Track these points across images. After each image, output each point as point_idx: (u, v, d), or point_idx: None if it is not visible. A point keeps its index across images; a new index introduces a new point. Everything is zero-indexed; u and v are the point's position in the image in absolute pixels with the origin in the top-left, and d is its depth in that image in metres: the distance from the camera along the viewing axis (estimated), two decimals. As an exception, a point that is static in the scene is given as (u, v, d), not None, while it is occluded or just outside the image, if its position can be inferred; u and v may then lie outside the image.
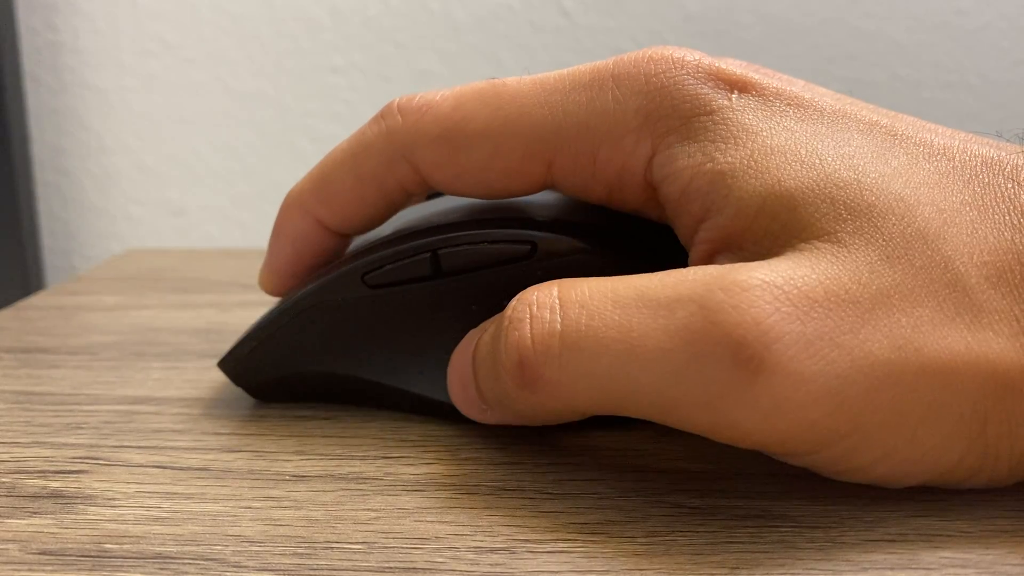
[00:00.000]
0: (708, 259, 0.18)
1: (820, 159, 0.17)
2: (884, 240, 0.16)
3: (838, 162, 0.17)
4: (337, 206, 0.21)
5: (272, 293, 0.23)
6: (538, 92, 0.19)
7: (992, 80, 0.62)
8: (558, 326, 0.16)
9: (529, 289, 0.17)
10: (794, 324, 0.15)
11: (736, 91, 0.18)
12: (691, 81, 0.18)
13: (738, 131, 0.17)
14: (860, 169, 0.16)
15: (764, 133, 0.17)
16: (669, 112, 0.18)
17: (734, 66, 0.19)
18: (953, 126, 0.18)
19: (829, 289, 0.15)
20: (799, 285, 0.15)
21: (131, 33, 0.65)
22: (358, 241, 0.23)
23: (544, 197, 0.22)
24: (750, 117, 0.18)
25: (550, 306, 0.17)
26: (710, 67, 0.18)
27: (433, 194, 0.23)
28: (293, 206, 0.21)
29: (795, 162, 0.17)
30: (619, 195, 0.19)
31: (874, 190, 0.16)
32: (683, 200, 0.18)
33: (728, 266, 0.16)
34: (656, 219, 0.20)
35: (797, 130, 0.17)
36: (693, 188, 0.18)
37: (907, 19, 0.61)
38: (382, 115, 0.20)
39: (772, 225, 0.17)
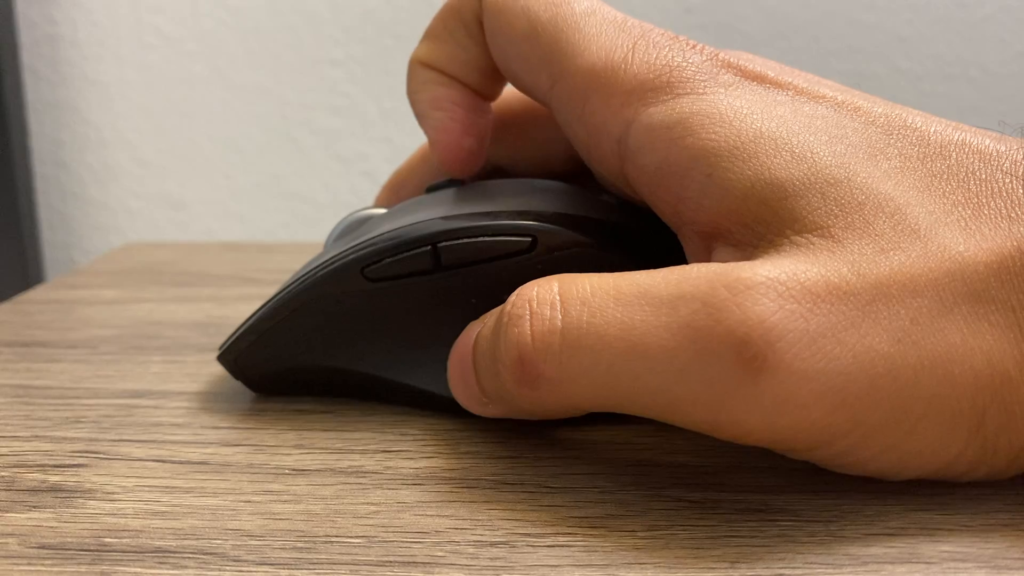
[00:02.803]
0: (702, 245, 0.18)
1: (812, 153, 0.17)
2: (876, 235, 0.16)
3: (830, 159, 0.17)
4: (433, 41, 0.23)
5: (448, 160, 0.23)
6: (578, 18, 0.20)
7: (993, 72, 0.62)
8: (559, 323, 0.16)
9: (528, 284, 0.17)
10: (798, 322, 0.15)
11: (736, 78, 0.18)
12: (693, 66, 0.18)
13: (726, 111, 0.17)
14: (851, 168, 0.16)
15: (754, 117, 0.17)
16: (662, 86, 0.18)
17: (737, 56, 0.19)
18: (954, 118, 0.18)
19: (831, 283, 0.15)
20: (802, 281, 0.15)
21: (130, 26, 0.65)
22: (358, 234, 0.23)
23: (546, 190, 0.22)
24: (742, 102, 0.18)
25: (550, 302, 0.17)
26: (715, 55, 0.19)
27: (433, 187, 0.23)
28: (410, 61, 0.23)
29: (786, 152, 0.17)
30: (597, 151, 0.20)
31: (864, 190, 0.16)
32: (659, 175, 0.18)
33: (731, 264, 0.16)
34: (624, 190, 0.20)
35: (790, 120, 0.17)
36: (670, 162, 0.18)
37: (908, 12, 0.61)
38: None
39: (763, 211, 0.16)
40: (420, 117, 0.23)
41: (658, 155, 0.18)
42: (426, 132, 0.23)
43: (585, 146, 0.20)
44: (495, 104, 0.25)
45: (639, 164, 0.18)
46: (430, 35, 0.23)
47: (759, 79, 0.18)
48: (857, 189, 0.16)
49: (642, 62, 0.19)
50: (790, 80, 0.18)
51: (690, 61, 0.18)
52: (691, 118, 0.17)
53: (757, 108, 0.17)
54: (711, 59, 0.19)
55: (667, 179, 0.18)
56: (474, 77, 0.23)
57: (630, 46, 0.19)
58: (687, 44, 0.19)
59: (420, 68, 0.23)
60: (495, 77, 0.23)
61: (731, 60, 0.19)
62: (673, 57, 0.18)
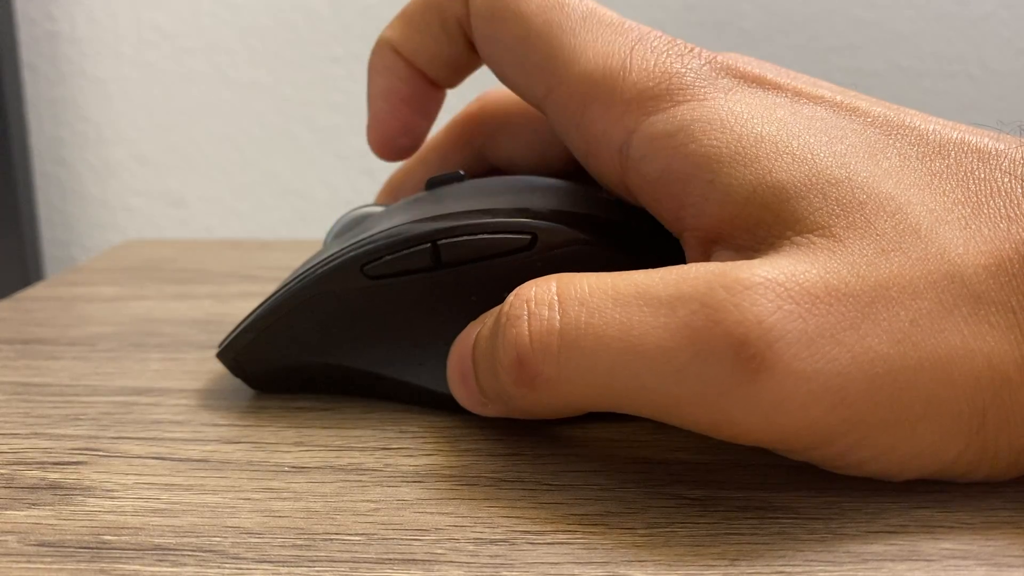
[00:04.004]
0: (702, 249, 0.18)
1: (812, 154, 0.17)
2: (877, 235, 0.16)
3: (830, 159, 0.17)
4: (409, 32, 0.22)
5: (379, 150, 0.24)
6: (574, 22, 0.20)
7: (994, 70, 0.61)
8: (557, 323, 0.16)
9: (526, 284, 0.17)
10: (796, 322, 0.15)
11: (736, 83, 0.18)
12: (692, 72, 0.18)
13: (727, 116, 0.17)
14: (851, 168, 0.16)
15: (754, 122, 0.17)
16: (662, 94, 0.18)
17: (734, 59, 0.19)
18: (954, 116, 0.18)
19: (829, 284, 0.15)
20: (800, 282, 0.15)
21: (129, 23, 0.64)
22: (358, 231, 0.23)
23: (546, 188, 0.22)
24: (742, 106, 0.18)
25: (548, 303, 0.17)
26: (712, 59, 0.18)
27: (433, 183, 0.23)
28: (378, 41, 0.23)
29: (786, 154, 0.17)
30: (595, 159, 0.19)
31: (865, 189, 0.16)
32: (662, 182, 0.18)
33: (730, 263, 0.16)
34: (623, 196, 0.20)
35: (790, 123, 0.17)
36: (673, 169, 0.18)
37: (908, 9, 0.61)
38: None
39: (764, 214, 0.16)
40: (369, 98, 0.23)
41: (660, 163, 0.18)
42: (368, 115, 0.23)
43: (584, 154, 0.20)
44: (492, 105, 0.25)
45: (641, 172, 0.18)
46: (405, 18, 0.23)
47: (758, 82, 0.18)
48: (858, 188, 0.16)
49: (640, 69, 0.18)
50: (788, 82, 0.18)
51: (689, 67, 0.18)
52: (692, 125, 0.17)
53: (757, 112, 0.17)
54: (709, 63, 0.18)
55: (670, 186, 0.18)
56: (438, 71, 0.23)
57: (627, 52, 0.19)
58: (685, 48, 0.19)
59: (386, 51, 0.23)
60: (460, 71, 0.23)
61: (729, 63, 0.19)
62: (671, 63, 0.18)
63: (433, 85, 0.23)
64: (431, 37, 0.22)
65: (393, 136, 0.23)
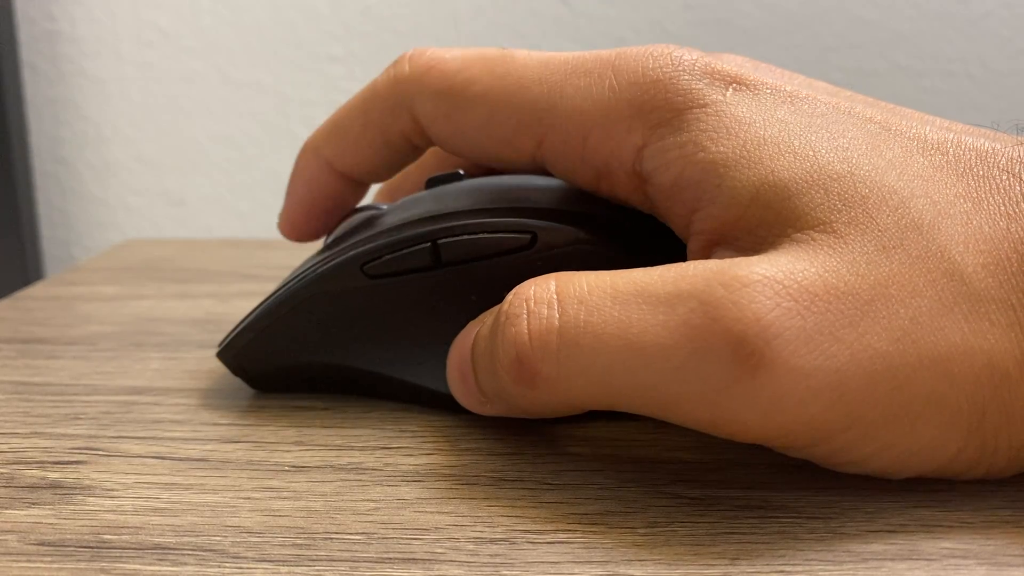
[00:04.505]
0: (705, 251, 0.18)
1: (814, 151, 0.17)
2: (879, 231, 0.16)
3: (832, 154, 0.17)
4: (347, 150, 0.22)
5: (289, 237, 0.24)
6: (541, 70, 0.19)
7: (993, 69, 0.61)
8: (556, 322, 0.16)
9: (525, 283, 0.17)
10: (794, 319, 0.15)
11: (731, 87, 0.18)
12: (686, 77, 0.18)
13: (731, 123, 0.17)
14: (853, 162, 0.16)
15: (757, 125, 0.17)
16: (662, 105, 0.18)
17: (730, 63, 0.19)
18: (954, 116, 0.18)
19: (828, 282, 0.15)
20: (799, 279, 0.15)
21: (129, 22, 0.64)
22: (357, 231, 0.23)
23: (546, 187, 0.22)
24: (743, 110, 0.18)
25: (547, 301, 0.17)
26: (706, 65, 0.18)
27: (432, 183, 0.23)
28: (308, 149, 0.23)
29: (788, 153, 0.17)
30: (607, 183, 0.19)
31: (867, 182, 0.16)
32: (674, 190, 0.18)
33: (728, 261, 0.16)
34: (646, 210, 0.20)
35: (791, 122, 0.17)
36: (685, 178, 0.18)
37: (908, 8, 0.61)
38: (394, 64, 0.21)
39: (766, 214, 0.16)
40: (288, 195, 0.23)
41: (673, 173, 0.18)
42: (284, 206, 0.23)
43: (596, 185, 0.20)
44: None
45: (656, 183, 0.18)
46: (340, 134, 0.22)
47: (756, 84, 0.18)
48: (860, 182, 0.16)
49: (629, 84, 0.18)
50: (786, 84, 0.18)
51: (676, 72, 0.18)
52: (700, 135, 0.17)
53: (759, 115, 0.17)
54: (690, 67, 0.18)
55: (682, 193, 0.18)
56: (374, 177, 0.23)
57: (608, 75, 0.18)
58: (662, 54, 0.18)
59: (317, 162, 0.22)
60: (397, 170, 0.23)
61: (719, 67, 0.18)
62: (656, 72, 0.18)
63: (361, 184, 0.23)
64: (372, 152, 0.22)
65: (306, 222, 0.23)
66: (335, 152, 0.22)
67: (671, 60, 0.18)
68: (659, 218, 0.19)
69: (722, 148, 0.17)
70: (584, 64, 0.19)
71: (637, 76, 0.18)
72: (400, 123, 0.21)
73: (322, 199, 0.23)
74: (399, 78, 0.21)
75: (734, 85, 0.18)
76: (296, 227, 0.23)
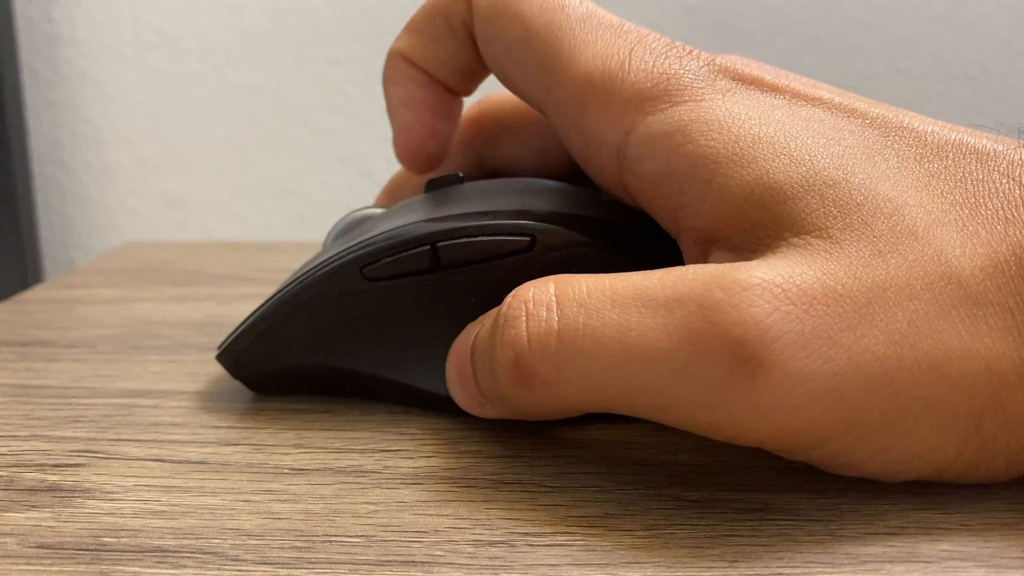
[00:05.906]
0: (699, 250, 0.18)
1: (809, 156, 0.17)
2: (875, 236, 0.16)
3: (827, 161, 0.17)
4: (418, 40, 0.22)
5: (409, 165, 0.24)
6: (574, 24, 0.20)
7: (993, 72, 0.62)
8: (555, 324, 0.16)
9: (525, 285, 0.17)
10: (793, 323, 0.15)
11: (732, 84, 0.18)
12: (691, 75, 0.18)
13: (725, 118, 0.17)
14: (849, 169, 0.16)
15: (752, 123, 0.17)
16: (660, 95, 0.18)
17: (733, 61, 0.19)
18: (953, 118, 0.18)
19: (827, 285, 0.15)
20: (797, 283, 0.15)
21: (129, 25, 0.64)
22: (357, 234, 0.23)
23: (545, 190, 0.22)
24: (740, 107, 0.18)
25: (546, 304, 0.17)
26: (711, 61, 0.19)
27: (432, 185, 0.23)
28: (391, 51, 0.23)
29: (784, 155, 0.17)
30: (595, 162, 0.19)
31: (862, 190, 0.16)
32: (660, 182, 0.18)
33: (727, 265, 0.16)
34: (627, 200, 0.20)
35: (787, 124, 0.17)
36: (671, 169, 0.18)
37: (907, 10, 0.61)
38: None
39: (761, 216, 0.16)
40: (390, 111, 0.23)
41: (658, 163, 0.18)
42: (392, 127, 0.23)
43: (583, 154, 0.20)
44: (492, 108, 0.25)
45: (638, 173, 0.18)
46: (413, 28, 0.23)
47: (756, 83, 0.18)
48: (855, 190, 0.16)
49: (639, 70, 0.18)
50: (786, 84, 0.18)
51: (687, 68, 0.18)
52: (690, 126, 0.17)
53: (755, 113, 0.17)
54: (708, 65, 0.19)
55: (667, 186, 0.18)
56: (452, 76, 0.23)
57: (627, 53, 0.19)
58: (683, 50, 0.19)
59: (399, 61, 0.23)
60: (473, 77, 0.23)
61: (727, 65, 0.19)
62: (670, 64, 0.18)
63: (449, 91, 0.23)
64: (440, 43, 0.22)
65: (422, 143, 0.23)
66: (409, 45, 0.22)
67: (683, 55, 0.19)
68: (642, 208, 0.19)
69: (711, 142, 0.17)
70: (615, 31, 0.19)
71: (648, 64, 0.18)
72: (459, 8, 0.21)
73: (420, 106, 0.23)
74: None
75: (736, 83, 0.18)
76: (410, 150, 0.23)
